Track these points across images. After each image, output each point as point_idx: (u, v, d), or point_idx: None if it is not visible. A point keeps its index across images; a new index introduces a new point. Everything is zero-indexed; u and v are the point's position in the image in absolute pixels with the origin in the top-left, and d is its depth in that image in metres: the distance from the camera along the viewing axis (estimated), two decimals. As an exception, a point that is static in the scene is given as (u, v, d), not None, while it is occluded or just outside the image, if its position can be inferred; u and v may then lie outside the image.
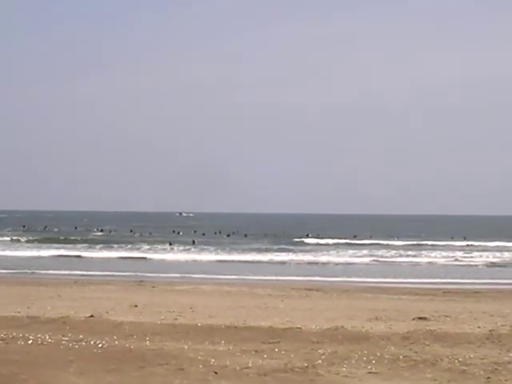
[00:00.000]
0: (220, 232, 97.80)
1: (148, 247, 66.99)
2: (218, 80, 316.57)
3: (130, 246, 68.55)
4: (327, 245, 74.38)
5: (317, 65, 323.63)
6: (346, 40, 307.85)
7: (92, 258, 54.70)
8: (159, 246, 68.09)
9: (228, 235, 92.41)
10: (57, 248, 62.50)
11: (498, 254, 59.94)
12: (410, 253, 61.19)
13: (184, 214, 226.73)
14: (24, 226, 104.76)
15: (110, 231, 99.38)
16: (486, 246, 71.38)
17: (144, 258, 54.52)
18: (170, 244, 70.87)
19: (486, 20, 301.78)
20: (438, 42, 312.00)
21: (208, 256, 56.83)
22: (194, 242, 75.03)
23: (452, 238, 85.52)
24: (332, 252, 62.35)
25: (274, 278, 37.42)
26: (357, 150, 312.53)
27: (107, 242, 72.59)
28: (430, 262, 52.59)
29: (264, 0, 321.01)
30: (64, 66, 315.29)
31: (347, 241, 78.88)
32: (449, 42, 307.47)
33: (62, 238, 78.89)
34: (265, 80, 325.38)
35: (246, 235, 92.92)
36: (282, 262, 51.36)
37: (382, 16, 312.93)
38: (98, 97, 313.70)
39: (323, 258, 54.91)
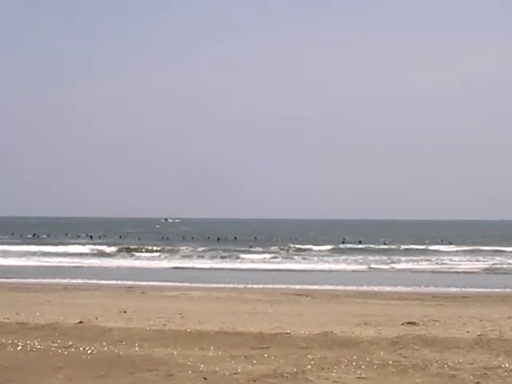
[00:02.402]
0: (209, 237, 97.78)
1: (139, 254, 66.92)
2: (216, 86, 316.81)
3: (123, 253, 68.44)
4: (314, 250, 74.27)
5: (318, 69, 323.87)
6: (346, 44, 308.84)
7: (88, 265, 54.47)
8: (150, 254, 67.96)
9: (218, 239, 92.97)
10: (58, 255, 62.23)
11: (488, 259, 60.23)
12: (397, 258, 61.39)
13: (170, 220, 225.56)
14: (12, 234, 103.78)
15: (100, 237, 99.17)
16: (479, 251, 71.62)
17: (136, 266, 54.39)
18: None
19: (486, 23, 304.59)
20: (439, 46, 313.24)
21: (196, 263, 56.61)
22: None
23: (442, 241, 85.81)
24: (319, 258, 62.47)
25: (262, 286, 37.21)
26: (357, 152, 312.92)
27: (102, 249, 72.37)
28: (416, 269, 52.60)
29: (264, 6, 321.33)
30: (65, 69, 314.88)
31: (334, 246, 78.89)
32: (449, 46, 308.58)
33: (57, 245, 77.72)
34: (264, 85, 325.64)
35: (235, 238, 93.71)
36: (268, 270, 50.96)
37: (382, 20, 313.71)
38: (88, 103, 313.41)
39: (310, 265, 54.74)
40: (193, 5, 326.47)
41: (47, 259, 58.38)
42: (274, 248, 74.74)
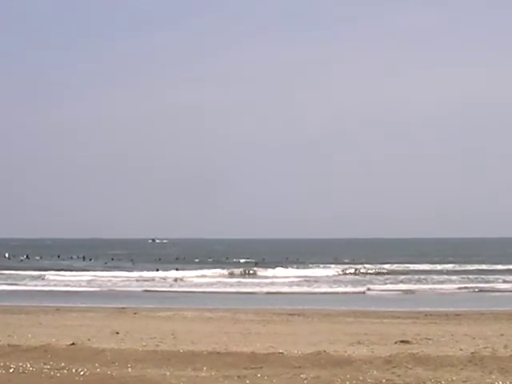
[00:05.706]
0: (197, 258, 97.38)
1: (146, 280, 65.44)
2: (201, 105, 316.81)
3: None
4: (309, 276, 73.65)
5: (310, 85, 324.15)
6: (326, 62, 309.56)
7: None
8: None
9: (210, 258, 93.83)
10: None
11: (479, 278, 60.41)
12: (380, 278, 61.72)
13: (157, 241, 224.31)
14: (6, 256, 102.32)
15: (91, 259, 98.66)
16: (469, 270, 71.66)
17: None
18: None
19: (458, 38, 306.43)
20: (416, 63, 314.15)
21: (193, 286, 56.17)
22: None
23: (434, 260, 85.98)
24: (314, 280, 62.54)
25: (254, 307, 37.16)
26: (342, 171, 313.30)
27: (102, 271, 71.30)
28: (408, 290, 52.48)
29: (250, 21, 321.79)
30: (50, 85, 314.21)
31: (327, 266, 78.73)
32: (425, 64, 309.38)
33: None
34: (247, 104, 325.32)
35: (227, 258, 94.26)
36: (260, 292, 50.20)
37: (357, 37, 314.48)
38: (74, 120, 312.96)
39: (303, 288, 54.16)
40: (179, 21, 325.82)
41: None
42: (266, 269, 74.15)
